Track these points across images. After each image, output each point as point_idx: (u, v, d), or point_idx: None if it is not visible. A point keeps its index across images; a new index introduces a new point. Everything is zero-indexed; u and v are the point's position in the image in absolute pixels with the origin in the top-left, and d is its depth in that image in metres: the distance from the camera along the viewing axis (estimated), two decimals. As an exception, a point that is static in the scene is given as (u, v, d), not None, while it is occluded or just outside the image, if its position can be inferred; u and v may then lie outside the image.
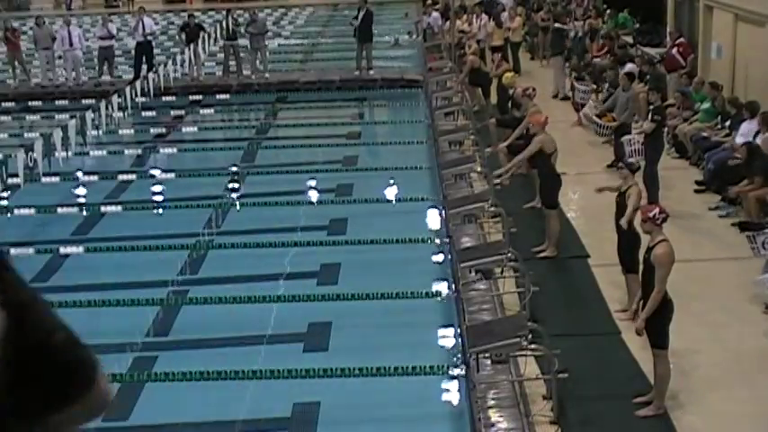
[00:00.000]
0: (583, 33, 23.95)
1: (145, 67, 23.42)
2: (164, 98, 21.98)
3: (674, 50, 19.84)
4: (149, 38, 24.04)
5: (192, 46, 23.73)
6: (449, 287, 11.23)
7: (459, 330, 9.88)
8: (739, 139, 14.27)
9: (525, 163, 15.17)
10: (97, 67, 24.40)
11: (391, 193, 15.39)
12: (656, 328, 8.49)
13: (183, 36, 24.54)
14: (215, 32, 26.05)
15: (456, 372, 9.26)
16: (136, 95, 20.60)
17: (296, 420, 9.06)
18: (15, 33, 24.39)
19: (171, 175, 16.70)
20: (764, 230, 11.62)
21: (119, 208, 15.01)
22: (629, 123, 15.87)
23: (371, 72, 23.70)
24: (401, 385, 9.22)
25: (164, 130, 20.70)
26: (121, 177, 16.77)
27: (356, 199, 15.22)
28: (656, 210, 8.71)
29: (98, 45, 24.06)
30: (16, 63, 24.19)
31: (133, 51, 24.77)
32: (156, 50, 25.11)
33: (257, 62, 24.04)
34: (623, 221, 10.30)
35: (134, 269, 12.56)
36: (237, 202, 15.68)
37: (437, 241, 12.93)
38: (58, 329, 1.50)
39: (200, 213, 14.94)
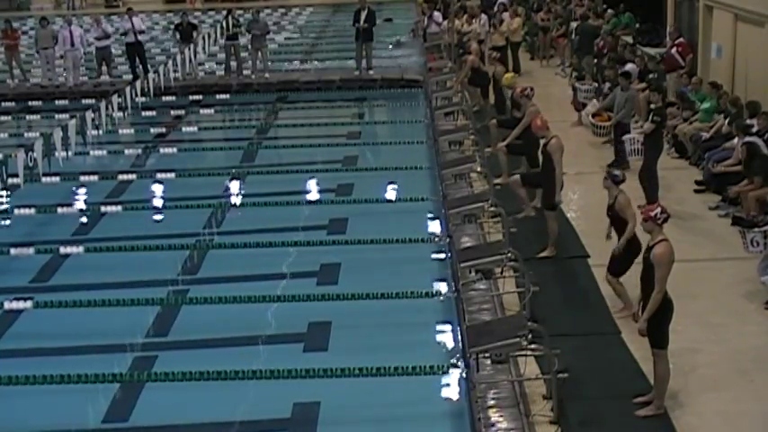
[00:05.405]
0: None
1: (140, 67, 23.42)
2: (164, 98, 21.97)
3: (674, 50, 19.83)
4: (140, 37, 23.96)
5: (184, 45, 23.68)
6: (449, 287, 11.24)
7: (459, 330, 9.88)
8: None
9: (526, 163, 15.20)
10: (96, 68, 24.36)
11: (391, 192, 15.39)
12: (656, 328, 8.49)
13: (177, 35, 24.51)
14: (215, 32, 26.03)
15: (456, 372, 9.26)
16: (136, 95, 20.59)
17: (296, 420, 9.06)
18: (14, 33, 24.31)
19: (171, 175, 16.68)
20: (754, 229, 11.64)
21: (119, 208, 15.00)
22: (627, 123, 15.86)
23: (371, 72, 23.69)
24: (401, 385, 9.22)
25: (164, 130, 20.68)
26: (121, 177, 16.76)
27: (356, 199, 15.21)
28: (658, 209, 8.71)
29: (94, 46, 24.00)
30: (14, 63, 24.13)
31: (123, 52, 24.71)
32: (155, 50, 25.05)
33: (258, 62, 24.04)
34: (626, 235, 10.34)
35: (134, 269, 12.56)
36: (237, 202, 15.67)
37: (437, 241, 12.93)
38: None
39: (200, 213, 14.93)
